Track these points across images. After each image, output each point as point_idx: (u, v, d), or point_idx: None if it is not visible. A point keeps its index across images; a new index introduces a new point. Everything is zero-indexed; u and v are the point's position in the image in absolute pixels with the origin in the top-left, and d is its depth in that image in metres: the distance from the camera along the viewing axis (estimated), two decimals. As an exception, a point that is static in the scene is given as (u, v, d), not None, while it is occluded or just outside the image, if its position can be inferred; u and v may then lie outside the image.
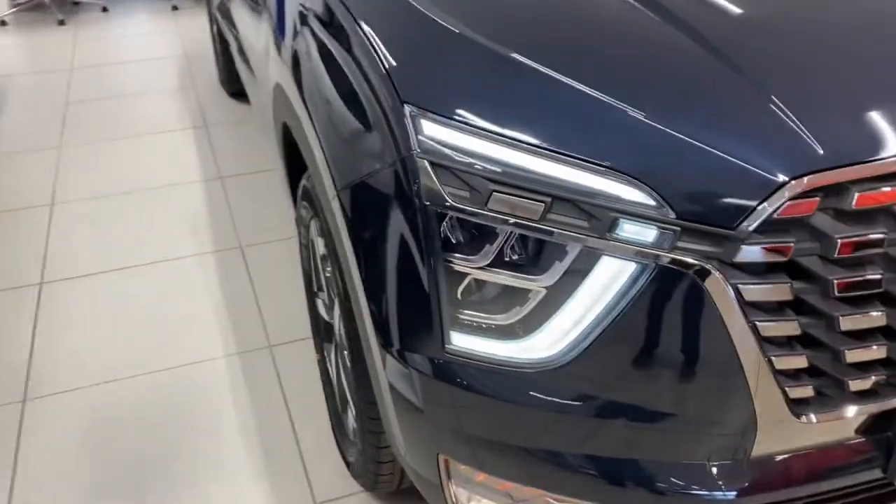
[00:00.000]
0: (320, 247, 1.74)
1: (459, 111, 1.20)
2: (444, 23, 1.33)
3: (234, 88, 4.08)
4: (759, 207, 1.06)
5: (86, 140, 3.91)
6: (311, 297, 2.08)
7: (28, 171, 3.60)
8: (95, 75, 4.77)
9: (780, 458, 1.22)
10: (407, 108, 1.23)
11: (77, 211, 3.26)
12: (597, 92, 1.17)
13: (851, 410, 1.20)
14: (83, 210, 3.26)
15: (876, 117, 1.12)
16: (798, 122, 1.10)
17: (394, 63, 1.31)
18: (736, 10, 1.33)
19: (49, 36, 5.55)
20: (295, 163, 1.90)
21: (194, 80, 4.57)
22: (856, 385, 1.18)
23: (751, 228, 1.06)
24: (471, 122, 1.18)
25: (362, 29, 1.41)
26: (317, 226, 1.73)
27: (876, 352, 1.15)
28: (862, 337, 1.15)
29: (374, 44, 1.36)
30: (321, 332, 2.03)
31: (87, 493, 1.95)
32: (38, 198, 3.36)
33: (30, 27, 5.80)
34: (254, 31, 2.35)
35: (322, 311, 1.98)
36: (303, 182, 1.80)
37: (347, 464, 1.92)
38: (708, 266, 1.09)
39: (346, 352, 1.66)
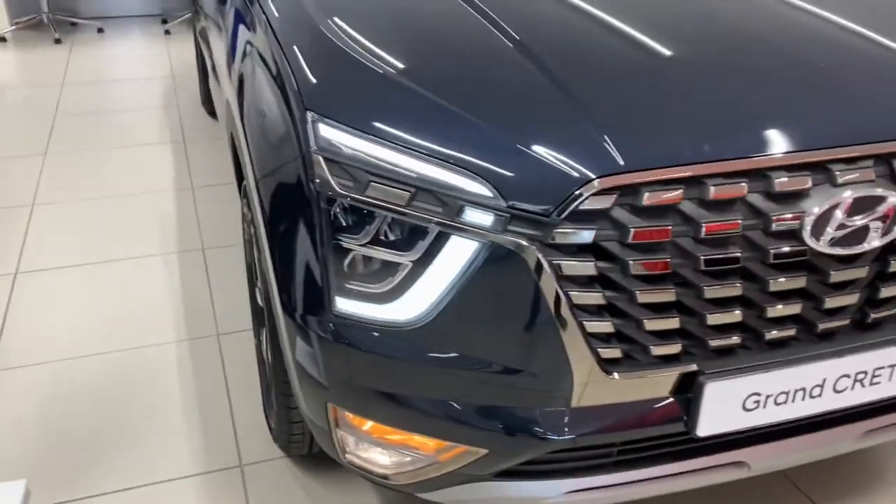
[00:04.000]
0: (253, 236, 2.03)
1: (349, 118, 1.49)
2: (346, 50, 1.64)
3: (213, 108, 4.39)
4: (567, 200, 1.35)
5: (70, 149, 4.20)
6: (252, 287, 2.36)
7: (13, 175, 3.89)
8: (85, 91, 5.08)
9: (599, 408, 1.49)
10: (309, 115, 1.53)
11: (55, 212, 3.54)
12: (453, 106, 1.46)
13: (654, 372, 1.47)
14: (61, 211, 3.54)
15: (669, 133, 1.42)
16: (604, 135, 1.40)
17: (303, 81, 1.61)
18: (575, 42, 1.64)
19: (45, 53, 5.87)
20: (240, 167, 2.20)
21: (178, 99, 4.89)
22: (657, 350, 1.46)
23: (561, 217, 1.35)
24: (357, 126, 1.47)
25: (286, 55, 1.72)
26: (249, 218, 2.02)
27: (674, 322, 1.44)
28: (662, 309, 1.43)
29: (292, 67, 1.66)
30: (257, 318, 2.31)
31: (43, 453, 2.20)
32: (20, 199, 3.65)
33: (28, 44, 6.12)
34: (217, 55, 2.66)
35: (258, 298, 2.26)
36: (244, 182, 2.09)
37: (270, 429, 2.18)
38: (530, 245, 1.37)
39: (266, 325, 1.93)
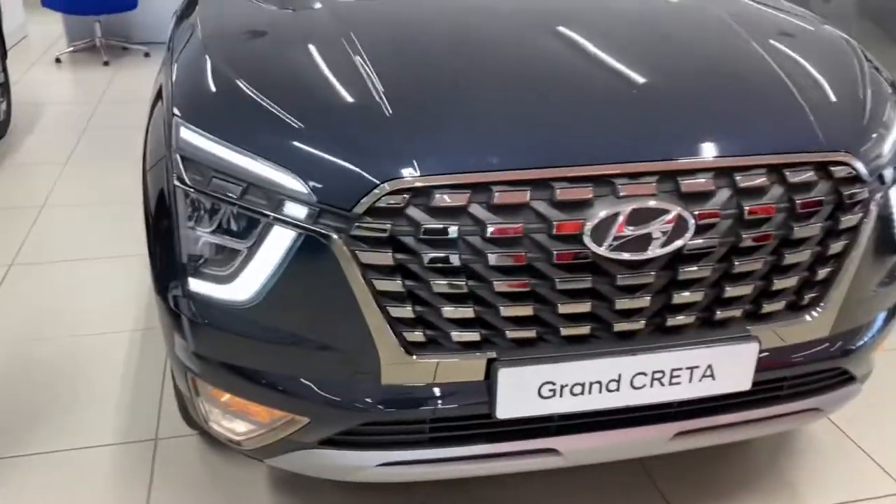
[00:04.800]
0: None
1: (205, 124, 1.73)
2: (219, 72, 1.87)
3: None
4: (364, 199, 1.55)
5: (90, 159, 4.59)
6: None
7: (32, 179, 4.28)
8: (119, 109, 5.49)
9: (408, 387, 1.67)
10: (175, 120, 1.77)
11: (61, 214, 3.89)
12: (288, 118, 1.69)
13: (456, 357, 1.65)
14: (66, 214, 3.89)
15: (463, 145, 1.62)
16: (405, 145, 1.60)
17: (177, 92, 1.86)
18: (415, 67, 1.85)
19: (93, 74, 6.36)
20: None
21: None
22: (458, 337, 1.64)
23: (360, 212, 1.56)
24: (210, 131, 1.71)
25: (172, 72, 1.98)
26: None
27: (469, 312, 1.61)
28: (458, 299, 1.61)
29: (173, 81, 1.92)
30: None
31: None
32: (32, 201, 4.02)
33: (79, 66, 6.63)
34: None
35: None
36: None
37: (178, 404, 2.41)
38: (337, 237, 1.58)
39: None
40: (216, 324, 1.72)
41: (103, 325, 2.96)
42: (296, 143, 1.65)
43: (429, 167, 1.57)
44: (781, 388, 1.89)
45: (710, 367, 1.72)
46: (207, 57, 1.93)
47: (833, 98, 1.88)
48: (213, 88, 1.84)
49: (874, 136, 1.82)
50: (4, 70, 5.08)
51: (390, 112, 1.67)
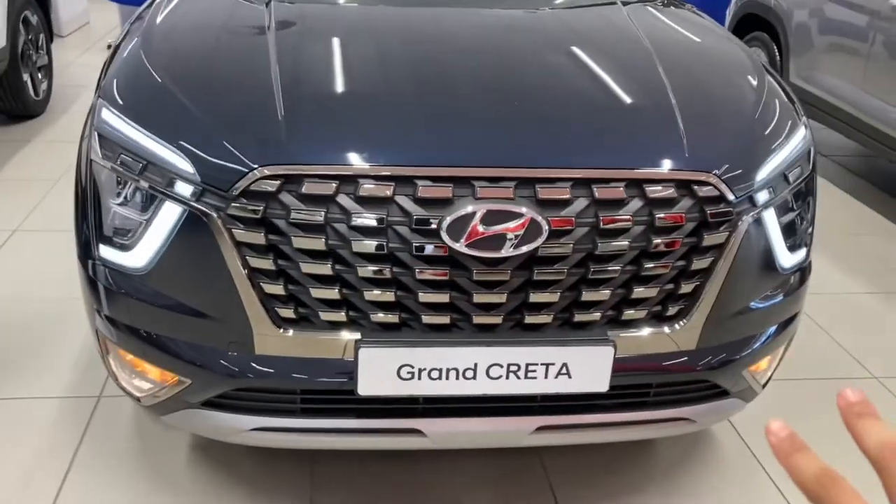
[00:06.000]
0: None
1: (121, 107, 1.92)
2: (144, 64, 2.06)
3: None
4: (240, 182, 1.71)
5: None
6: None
7: (56, 156, 4.57)
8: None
9: (280, 358, 1.82)
10: (98, 101, 1.97)
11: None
12: (192, 107, 1.86)
13: (323, 334, 1.80)
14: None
15: (339, 139, 1.76)
16: (283, 135, 1.76)
17: (107, 80, 2.05)
18: (319, 65, 2.01)
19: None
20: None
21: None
22: (326, 316, 1.79)
23: (235, 193, 1.71)
24: (124, 114, 1.90)
25: (108, 64, 2.17)
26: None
27: (334, 293, 1.76)
28: (324, 281, 1.76)
29: (105, 71, 2.12)
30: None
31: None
32: (50, 174, 4.30)
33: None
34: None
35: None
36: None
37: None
38: (216, 214, 1.74)
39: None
40: (119, 288, 1.90)
41: (66, 291, 3.17)
42: (190, 129, 1.83)
43: (302, 157, 1.73)
44: (647, 395, 1.97)
45: (565, 365, 1.82)
46: (140, 49, 2.12)
47: (714, 119, 1.97)
48: (135, 77, 2.03)
49: (747, 159, 1.90)
50: (48, 53, 5.41)
51: (281, 106, 1.83)
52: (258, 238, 1.73)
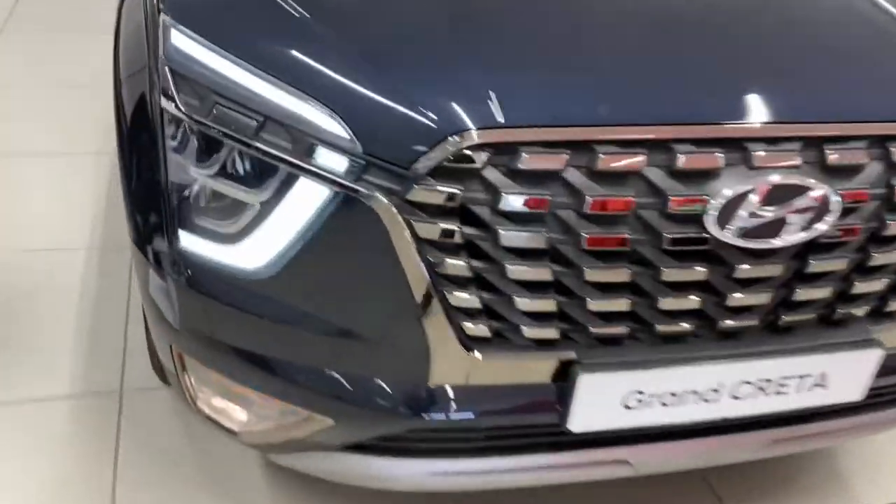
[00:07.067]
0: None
1: (205, 28, 1.29)
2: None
3: None
4: (431, 153, 1.16)
5: (31, 26, 3.99)
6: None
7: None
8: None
9: (461, 388, 1.32)
10: (163, 18, 1.32)
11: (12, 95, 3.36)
12: (326, 31, 1.26)
13: (526, 356, 1.30)
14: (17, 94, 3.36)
15: (562, 89, 1.22)
16: (487, 84, 1.19)
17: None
18: None
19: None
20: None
21: None
22: (531, 333, 1.29)
23: (423, 171, 1.16)
24: (212, 38, 1.28)
25: None
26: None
27: (549, 303, 1.26)
28: (537, 287, 1.25)
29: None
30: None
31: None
32: None
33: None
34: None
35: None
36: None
37: (150, 355, 2.04)
38: (388, 200, 1.18)
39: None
40: (214, 293, 1.33)
41: (53, 238, 2.52)
42: (341, 70, 1.23)
43: (517, 115, 1.18)
44: None
45: (823, 375, 1.41)
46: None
47: None
48: None
49: None
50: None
51: (467, 40, 1.26)
52: (451, 233, 1.20)
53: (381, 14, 1.32)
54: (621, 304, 1.28)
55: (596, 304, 1.27)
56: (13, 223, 2.58)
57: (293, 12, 1.29)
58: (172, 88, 1.28)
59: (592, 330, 1.30)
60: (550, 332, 1.30)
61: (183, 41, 1.29)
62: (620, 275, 1.25)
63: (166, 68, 1.29)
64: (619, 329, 1.31)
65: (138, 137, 1.39)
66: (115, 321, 2.24)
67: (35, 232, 2.55)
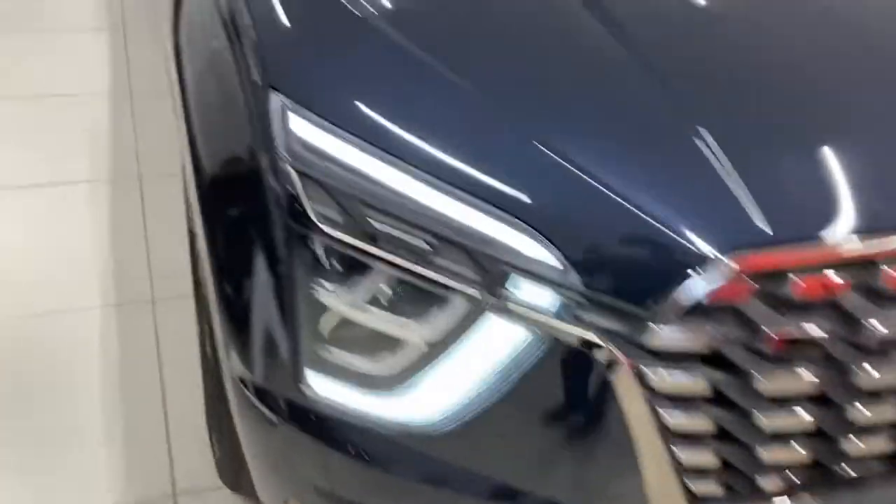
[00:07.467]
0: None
1: (339, 111, 0.97)
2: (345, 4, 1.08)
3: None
4: (687, 287, 0.87)
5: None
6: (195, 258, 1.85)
7: None
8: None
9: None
10: (274, 97, 0.99)
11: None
12: (514, 114, 0.95)
13: (760, 509, 1.04)
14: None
15: (832, 194, 0.93)
16: (741, 182, 0.90)
17: (268, 37, 1.06)
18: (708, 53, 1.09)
19: None
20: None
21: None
22: (768, 485, 1.02)
23: (672, 311, 0.87)
24: (351, 128, 0.95)
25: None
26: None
27: (801, 454, 0.99)
28: (793, 434, 0.99)
29: (252, 9, 1.10)
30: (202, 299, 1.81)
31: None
32: None
33: None
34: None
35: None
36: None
37: (214, 455, 1.72)
38: (613, 348, 0.90)
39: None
40: (364, 452, 1.03)
41: (66, 297, 2.15)
42: (547, 174, 0.92)
43: (792, 231, 0.89)
44: None
45: None
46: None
47: None
48: (358, 41, 1.05)
49: None
50: None
51: (715, 144, 0.95)
52: (695, 381, 0.91)
53: (594, 87, 1.01)
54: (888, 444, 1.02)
55: (851, 448, 1.01)
56: (9, 279, 2.21)
57: (471, 93, 0.97)
58: (302, 196, 0.96)
59: (843, 473, 1.04)
60: (792, 480, 1.03)
61: (311, 132, 0.97)
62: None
63: (292, 171, 0.96)
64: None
65: (241, 253, 1.06)
66: (150, 394, 1.91)
67: (38, 290, 2.18)
